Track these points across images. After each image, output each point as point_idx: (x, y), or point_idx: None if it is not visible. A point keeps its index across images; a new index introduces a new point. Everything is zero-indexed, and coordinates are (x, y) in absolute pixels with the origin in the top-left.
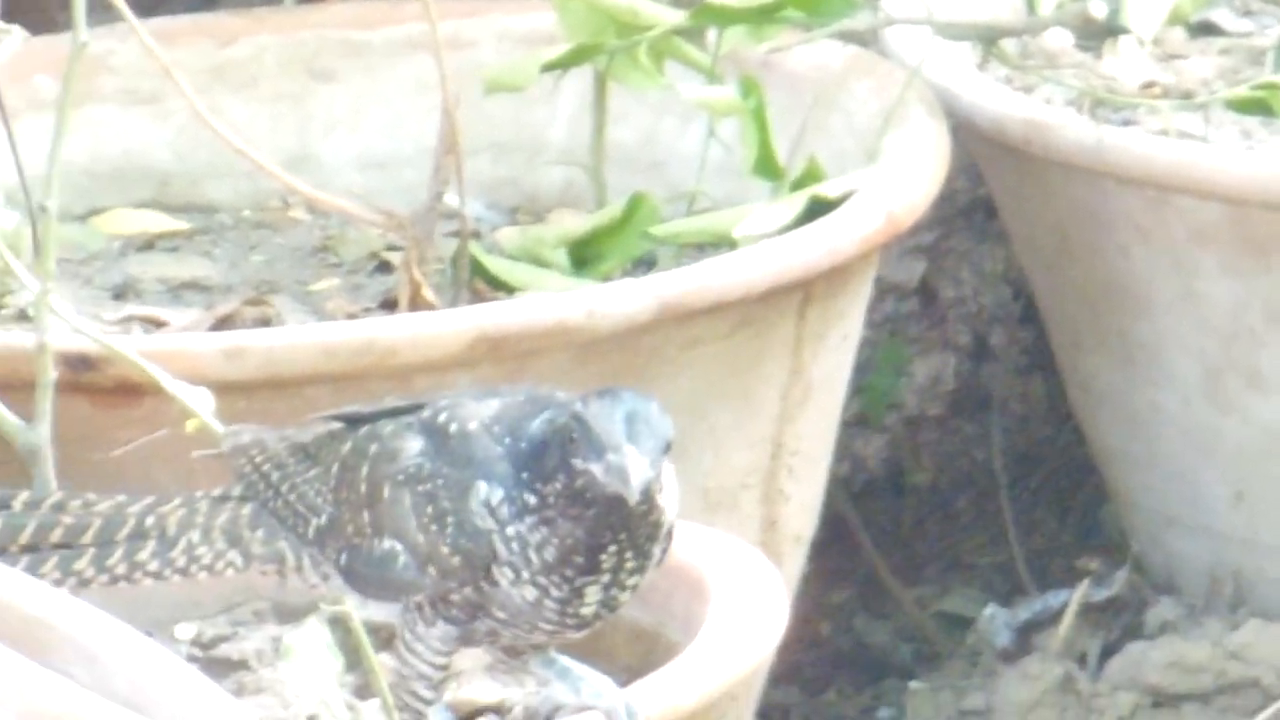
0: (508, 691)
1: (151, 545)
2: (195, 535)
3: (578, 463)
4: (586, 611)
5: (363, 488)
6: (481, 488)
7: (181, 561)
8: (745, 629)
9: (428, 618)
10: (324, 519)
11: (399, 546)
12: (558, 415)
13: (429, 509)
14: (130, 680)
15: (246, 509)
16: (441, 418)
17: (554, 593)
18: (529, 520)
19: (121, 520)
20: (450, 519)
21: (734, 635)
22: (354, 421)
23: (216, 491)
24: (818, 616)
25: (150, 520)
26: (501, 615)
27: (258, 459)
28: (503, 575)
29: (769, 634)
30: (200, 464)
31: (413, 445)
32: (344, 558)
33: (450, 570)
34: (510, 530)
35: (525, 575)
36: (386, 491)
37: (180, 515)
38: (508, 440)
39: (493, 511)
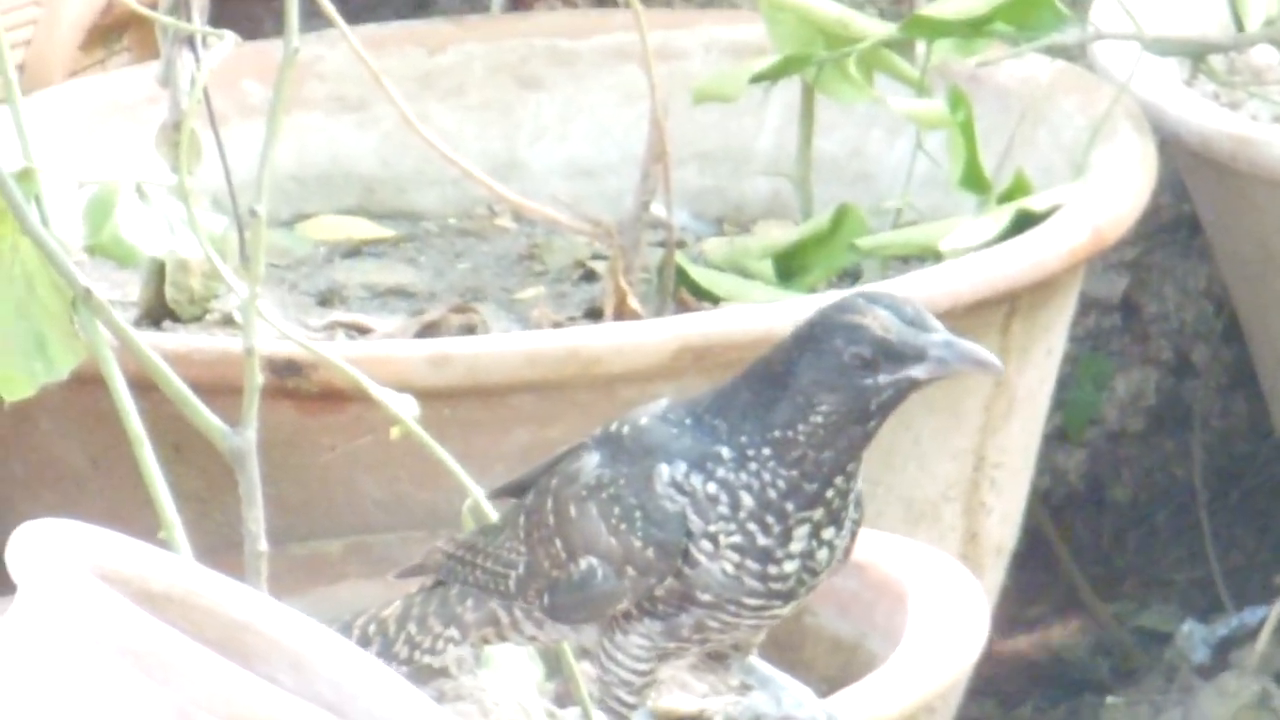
0: (706, 701)
1: (375, 648)
2: (413, 627)
3: (882, 378)
4: (790, 568)
5: (550, 520)
6: (664, 470)
7: (404, 653)
8: (946, 641)
9: (632, 619)
10: (521, 569)
11: (594, 561)
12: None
13: (616, 510)
14: (334, 685)
15: (453, 590)
16: (613, 427)
17: (760, 540)
18: (750, 467)
19: (346, 638)
20: (638, 513)
21: (935, 647)
22: (521, 489)
23: (429, 584)
24: (1015, 630)
25: (372, 628)
26: (706, 598)
27: (448, 548)
28: (700, 551)
29: (970, 646)
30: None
31: (590, 460)
32: (546, 598)
33: (647, 565)
34: (711, 488)
35: (724, 540)
36: (573, 511)
37: (397, 613)
38: (688, 420)
39: (679, 487)
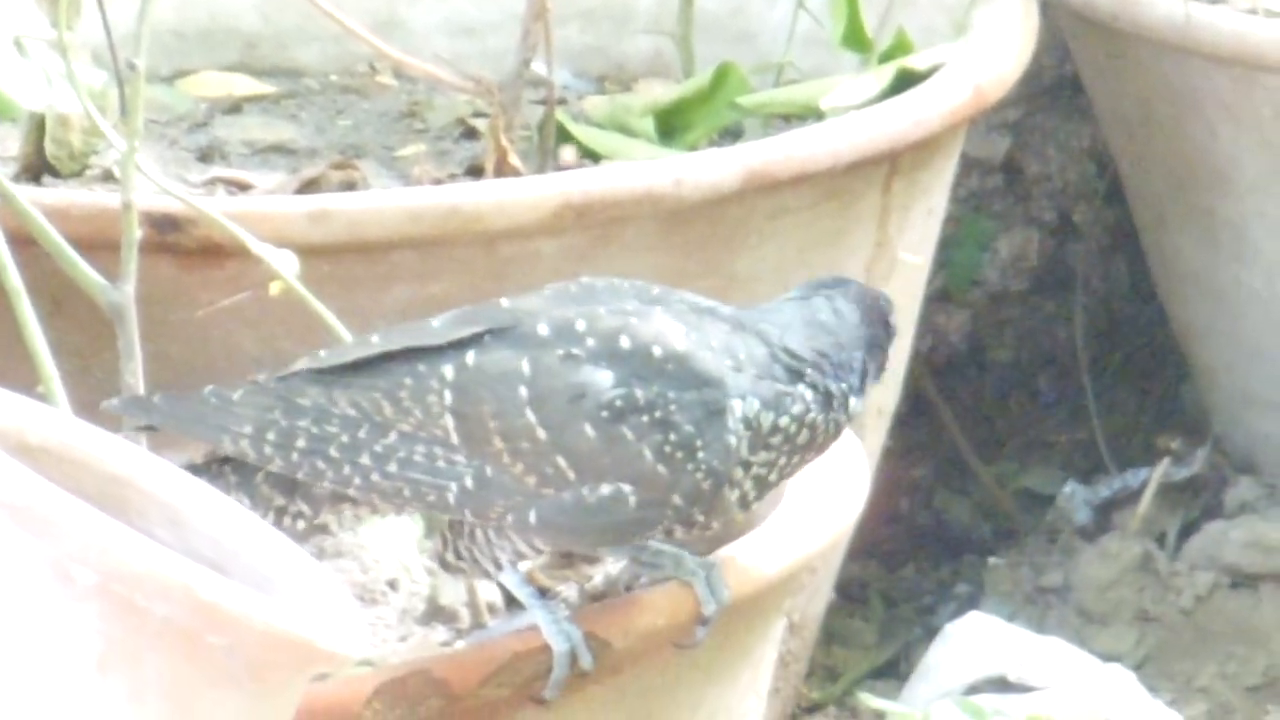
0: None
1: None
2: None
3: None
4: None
5: (540, 434)
6: (737, 406)
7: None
8: (826, 501)
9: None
10: (469, 482)
11: (625, 488)
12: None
13: (670, 436)
14: (213, 541)
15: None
16: (623, 343)
17: (770, 476)
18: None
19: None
20: (698, 441)
21: (815, 507)
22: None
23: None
24: (898, 492)
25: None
26: (700, 518)
27: (277, 441)
28: (731, 480)
29: (850, 507)
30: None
31: (602, 378)
32: (533, 515)
33: (698, 495)
34: (784, 421)
35: (754, 470)
36: (590, 431)
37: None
38: (741, 355)
39: (747, 422)
